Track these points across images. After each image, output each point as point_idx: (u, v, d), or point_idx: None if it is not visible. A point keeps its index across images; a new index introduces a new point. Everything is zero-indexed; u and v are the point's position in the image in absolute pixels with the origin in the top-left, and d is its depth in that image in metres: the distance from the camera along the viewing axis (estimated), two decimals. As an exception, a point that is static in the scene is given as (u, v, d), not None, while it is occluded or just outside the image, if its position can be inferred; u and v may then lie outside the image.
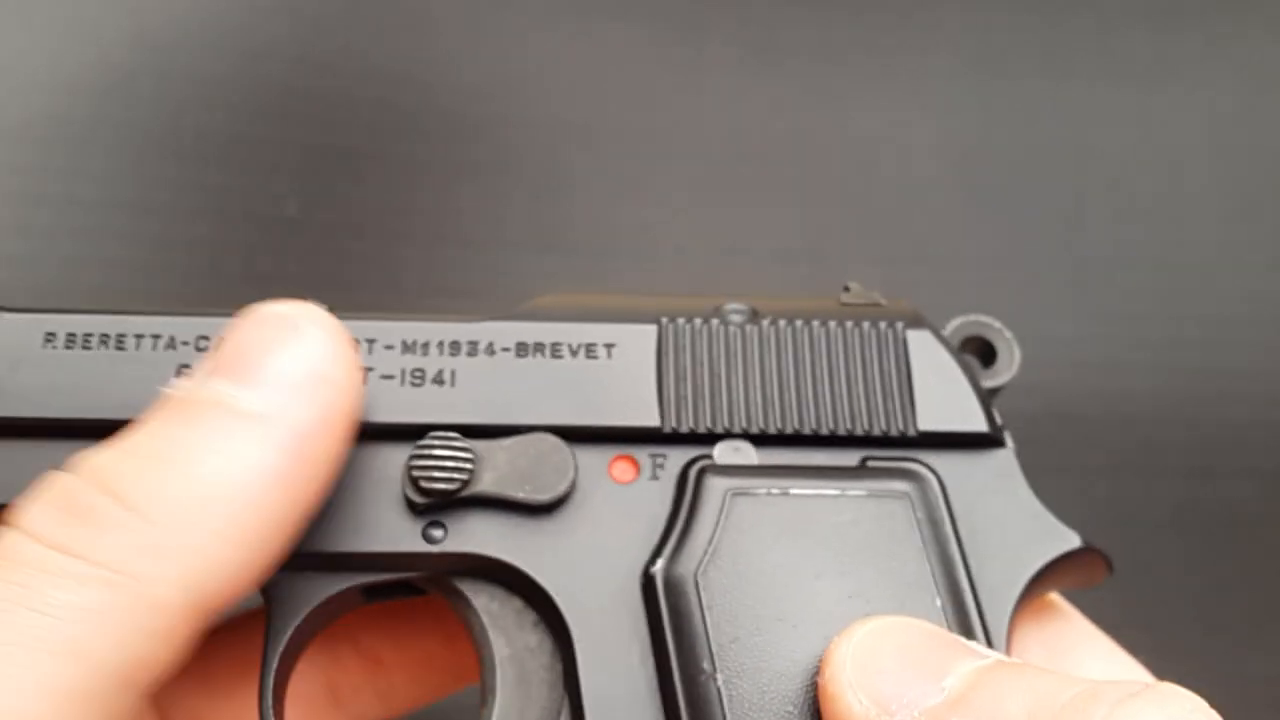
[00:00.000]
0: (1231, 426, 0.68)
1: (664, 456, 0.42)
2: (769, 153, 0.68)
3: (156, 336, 0.41)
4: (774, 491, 0.40)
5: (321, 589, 0.41)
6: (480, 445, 0.40)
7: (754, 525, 0.40)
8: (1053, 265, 0.69)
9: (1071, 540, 0.41)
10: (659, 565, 0.39)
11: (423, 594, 0.43)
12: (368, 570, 0.41)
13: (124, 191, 0.62)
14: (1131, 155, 0.72)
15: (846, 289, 0.46)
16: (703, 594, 0.39)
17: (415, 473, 0.40)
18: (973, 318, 0.45)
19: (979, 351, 0.45)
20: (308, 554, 0.40)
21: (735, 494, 0.40)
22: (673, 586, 0.39)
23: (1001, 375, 0.44)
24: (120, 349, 0.41)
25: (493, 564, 0.40)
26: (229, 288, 0.61)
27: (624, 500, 0.41)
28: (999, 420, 0.43)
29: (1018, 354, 0.44)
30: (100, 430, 0.38)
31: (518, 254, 0.64)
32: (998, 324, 0.45)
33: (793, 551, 0.39)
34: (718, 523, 0.40)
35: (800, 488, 0.41)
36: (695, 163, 0.67)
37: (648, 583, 0.39)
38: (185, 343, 0.41)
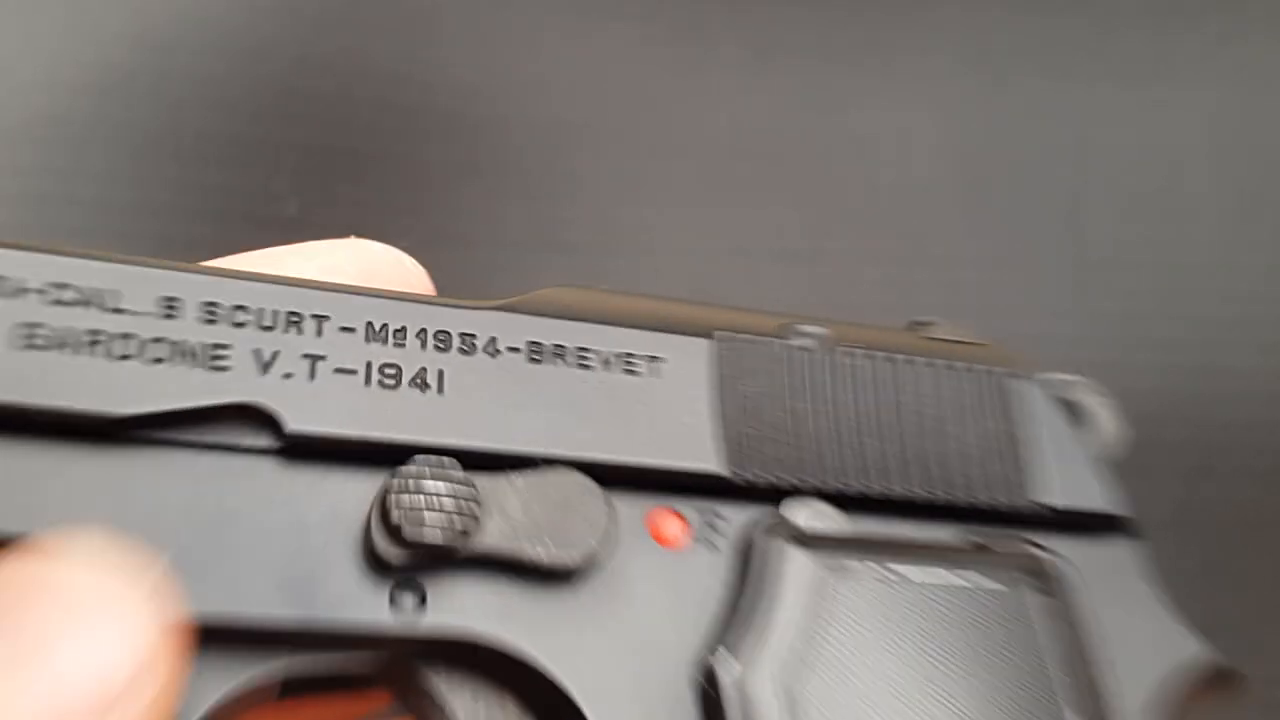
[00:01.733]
0: (1231, 426, 0.68)
1: (720, 514, 0.32)
2: (769, 153, 0.68)
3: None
4: (879, 573, 0.32)
5: (223, 678, 0.29)
6: (483, 480, 0.30)
7: (855, 616, 0.31)
8: (1053, 265, 0.69)
9: (1192, 649, 0.34)
10: (726, 666, 0.29)
11: (365, 687, 0.32)
12: (301, 648, 0.29)
13: (124, 191, 0.62)
14: (1131, 155, 0.72)
15: (923, 323, 0.38)
16: (790, 708, 0.29)
17: (394, 513, 0.29)
18: (1060, 377, 0.38)
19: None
20: (210, 622, 0.28)
21: (830, 573, 0.31)
22: (748, 696, 0.29)
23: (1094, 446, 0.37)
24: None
25: (486, 649, 0.30)
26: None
27: (671, 570, 0.31)
28: (1124, 501, 0.36)
29: (1114, 422, 0.37)
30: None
31: (518, 254, 0.64)
32: (1087, 382, 0.38)
33: (904, 652, 0.31)
34: (807, 608, 0.30)
35: (911, 569, 0.32)
36: (696, 163, 0.67)
37: (709, 688, 0.30)
38: (36, 290, 0.30)
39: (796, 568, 0.31)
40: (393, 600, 0.29)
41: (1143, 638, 0.34)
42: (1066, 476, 0.35)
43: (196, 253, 0.61)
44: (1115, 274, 0.69)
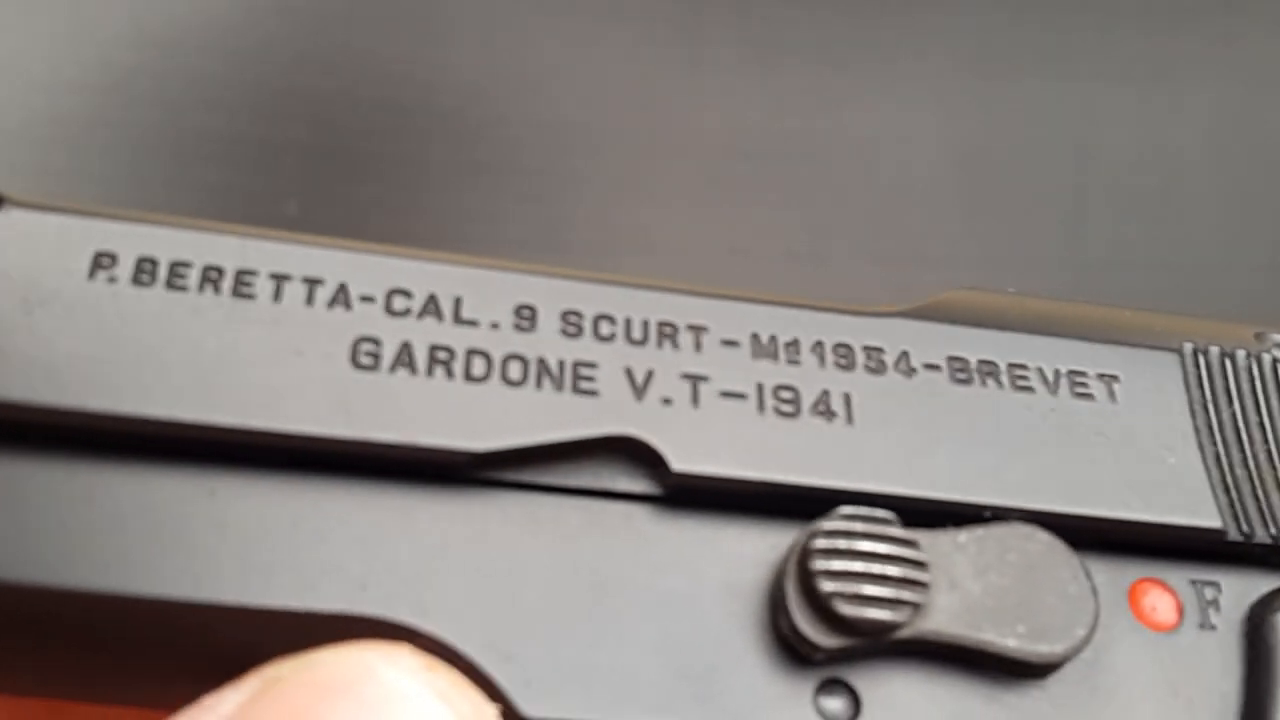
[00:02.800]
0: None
1: (1216, 585, 0.25)
2: (769, 153, 0.68)
3: (314, 281, 0.25)
4: None
5: None
6: (925, 540, 0.23)
7: None
8: (1053, 265, 0.69)
9: None
10: None
11: None
12: None
13: (124, 192, 0.62)
14: (1131, 155, 0.72)
15: None
16: None
17: (826, 585, 0.22)
18: None
19: None
20: None
21: None
22: None
23: None
24: (244, 294, 0.24)
25: None
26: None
27: (1164, 660, 0.24)
28: None
29: None
30: (197, 449, 0.23)
31: (518, 254, 0.63)
32: None
33: None
34: None
35: None
36: (695, 163, 0.67)
37: None
38: (368, 298, 0.25)
39: None
40: (816, 705, 0.22)
41: None
42: None
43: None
44: (1115, 274, 0.69)
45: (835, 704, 0.23)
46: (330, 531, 0.23)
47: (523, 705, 0.22)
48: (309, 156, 0.63)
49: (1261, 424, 0.26)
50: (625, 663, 0.23)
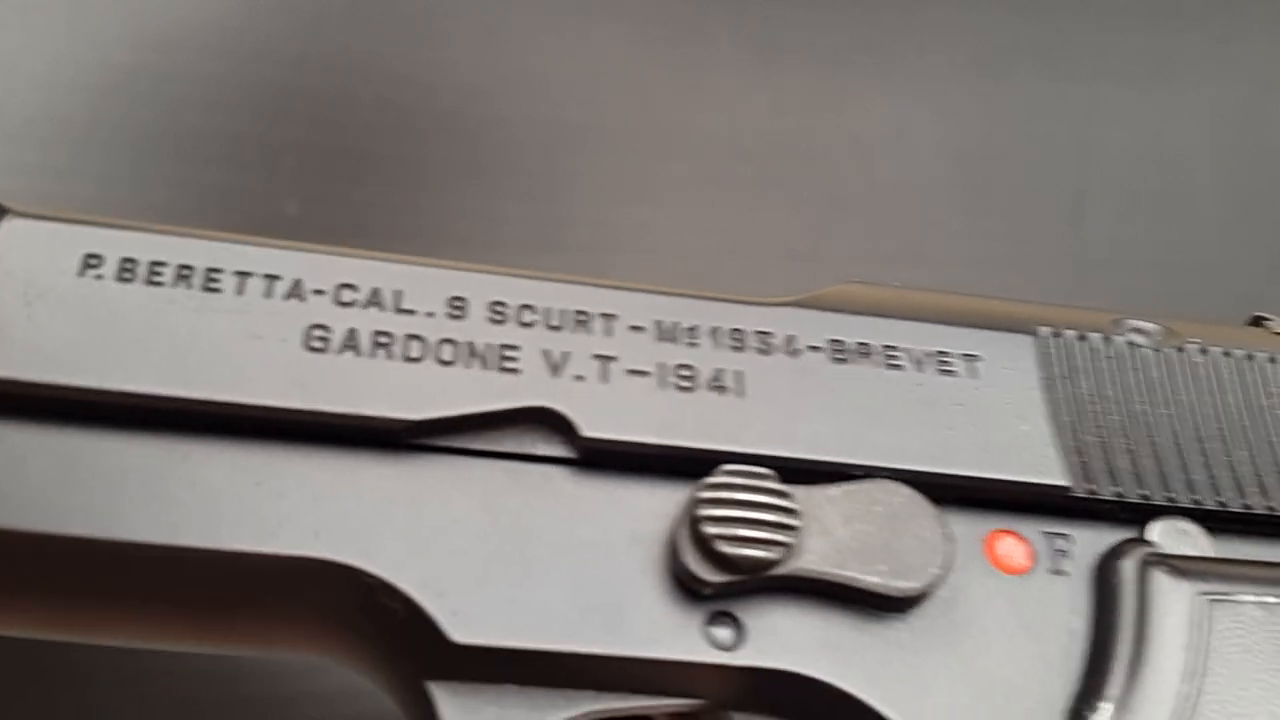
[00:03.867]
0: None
1: (1067, 537, 0.28)
2: (769, 153, 0.68)
3: (273, 277, 0.29)
4: (1268, 600, 0.27)
5: None
6: (800, 493, 0.27)
7: (1247, 654, 0.26)
8: (1053, 265, 0.69)
9: None
10: (1104, 716, 0.25)
11: None
12: (606, 689, 0.26)
13: (124, 191, 0.62)
14: (1132, 155, 0.72)
15: (1264, 320, 0.34)
16: None
17: (708, 529, 0.26)
18: None
19: None
20: (507, 654, 0.26)
21: (1214, 602, 0.26)
22: None
23: None
24: (212, 289, 0.29)
25: (814, 692, 0.26)
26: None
27: (1016, 599, 0.27)
28: None
29: None
30: (173, 420, 0.27)
31: (518, 253, 0.64)
32: None
33: None
34: (1196, 648, 0.26)
35: None
36: (695, 163, 0.67)
37: None
38: (319, 291, 0.29)
39: (1172, 599, 0.26)
40: (707, 633, 0.26)
41: None
42: None
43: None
44: (1115, 274, 0.69)
45: (723, 633, 0.26)
46: (288, 489, 0.27)
47: (451, 633, 0.26)
48: (309, 156, 0.63)
49: (1113, 397, 0.30)
50: (541, 599, 0.26)
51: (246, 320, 0.28)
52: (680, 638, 0.26)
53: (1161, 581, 0.27)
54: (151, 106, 0.63)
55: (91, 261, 0.29)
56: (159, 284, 0.29)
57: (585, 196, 0.66)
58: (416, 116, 0.65)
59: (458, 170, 0.65)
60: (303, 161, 0.63)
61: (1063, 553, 0.28)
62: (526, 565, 0.27)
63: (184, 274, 0.29)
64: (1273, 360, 0.31)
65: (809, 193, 0.68)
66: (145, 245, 0.29)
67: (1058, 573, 0.28)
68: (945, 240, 0.68)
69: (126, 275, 0.29)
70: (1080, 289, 0.68)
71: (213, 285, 0.29)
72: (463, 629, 0.26)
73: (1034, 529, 0.28)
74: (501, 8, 0.68)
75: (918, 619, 0.27)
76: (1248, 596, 0.26)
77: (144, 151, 0.62)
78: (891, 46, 0.72)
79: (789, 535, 0.26)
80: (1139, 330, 0.32)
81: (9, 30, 0.62)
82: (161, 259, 0.29)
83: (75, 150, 0.62)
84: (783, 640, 0.26)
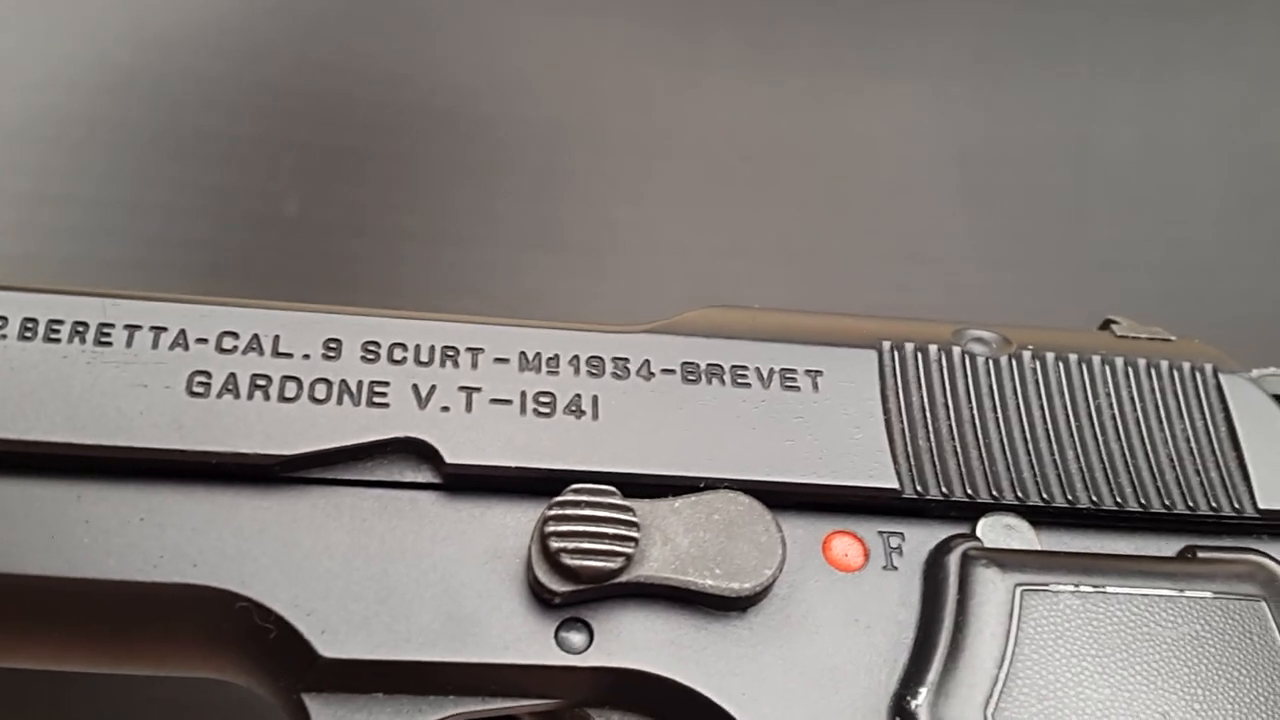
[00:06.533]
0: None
1: (900, 535, 0.30)
2: (769, 153, 0.68)
3: (159, 329, 0.32)
4: (1084, 589, 0.28)
5: None
6: (643, 506, 0.29)
7: (1061, 639, 0.28)
8: (1053, 265, 0.69)
9: None
10: (922, 699, 0.27)
11: None
12: (467, 694, 0.29)
13: (124, 191, 0.62)
14: (1133, 154, 0.71)
15: (1113, 323, 0.36)
16: None
17: (554, 544, 0.28)
18: (1273, 371, 0.35)
19: None
20: (371, 665, 0.28)
21: (1027, 591, 0.28)
22: None
23: None
24: (104, 343, 0.31)
25: (659, 687, 0.28)
26: (229, 287, 0.61)
27: (849, 595, 0.29)
28: None
29: None
30: (67, 464, 0.30)
31: (517, 253, 0.64)
32: None
33: (1122, 676, 0.28)
34: (1008, 634, 0.28)
35: (1121, 584, 0.29)
36: (695, 163, 0.67)
37: None
38: (202, 340, 0.31)
39: (988, 589, 0.28)
40: (559, 639, 0.28)
41: None
42: None
43: (197, 252, 0.61)
44: (1115, 274, 0.69)
45: (575, 637, 0.28)
46: (169, 523, 0.30)
47: (320, 648, 0.29)
48: (308, 156, 0.64)
49: (945, 404, 0.32)
50: (404, 614, 0.29)
51: (134, 370, 0.31)
52: (533, 643, 0.28)
53: (979, 573, 0.29)
54: (151, 106, 0.63)
55: None
56: (56, 340, 0.31)
57: (583, 196, 0.66)
58: (415, 117, 0.65)
59: (456, 170, 0.65)
60: (302, 161, 0.63)
61: (896, 550, 0.30)
62: (391, 584, 0.29)
63: (79, 330, 0.31)
64: (1106, 363, 0.33)
65: (809, 193, 0.68)
66: (44, 305, 0.32)
67: (890, 569, 0.30)
68: (945, 240, 0.68)
69: (28, 334, 0.31)
70: (1080, 289, 0.68)
71: (104, 339, 0.31)
72: (331, 644, 0.29)
73: (870, 529, 0.30)
74: (500, 9, 0.68)
75: (756, 616, 0.29)
76: (1064, 586, 0.28)
77: (144, 151, 0.62)
78: (891, 46, 0.71)
79: (628, 546, 0.28)
80: (978, 340, 0.33)
81: (9, 30, 0.63)
82: (59, 317, 0.32)
83: (75, 150, 0.62)
84: (629, 642, 0.28)
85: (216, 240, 0.62)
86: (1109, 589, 0.29)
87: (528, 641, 0.28)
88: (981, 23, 0.73)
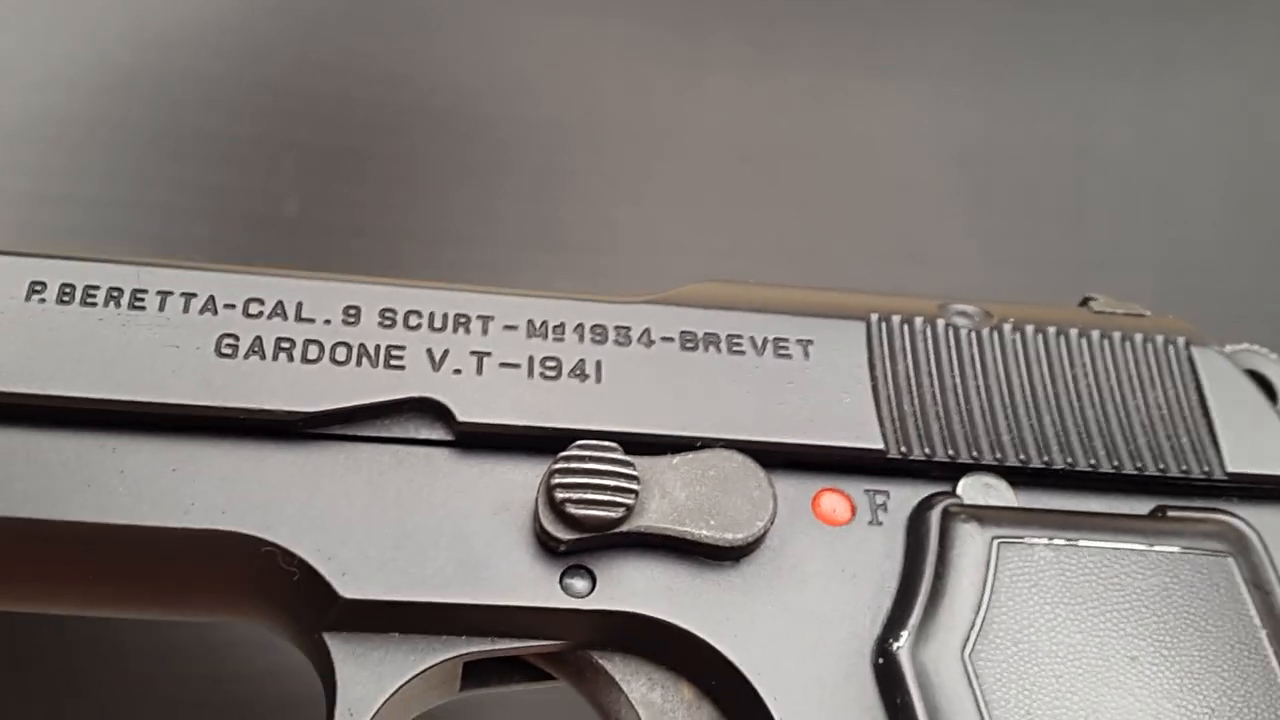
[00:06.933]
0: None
1: (886, 493, 0.32)
2: (769, 153, 0.68)
3: (190, 295, 0.33)
4: (1058, 542, 0.31)
5: (407, 663, 0.31)
6: (644, 463, 0.31)
7: (1035, 588, 0.30)
8: (1053, 265, 0.69)
9: None
10: (903, 643, 0.29)
11: (545, 678, 0.33)
12: (477, 635, 0.31)
13: (124, 191, 0.62)
14: (1132, 153, 0.72)
15: (1090, 300, 0.38)
16: (976, 683, 0.29)
17: (559, 494, 0.30)
18: (1245, 348, 0.38)
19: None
20: (388, 606, 0.30)
21: (1003, 544, 0.30)
22: (929, 673, 0.29)
23: None
24: (138, 307, 0.33)
25: (657, 630, 0.31)
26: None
27: (836, 547, 0.32)
28: None
29: None
30: (102, 418, 0.32)
31: (517, 253, 0.64)
32: (1271, 352, 0.37)
33: (1093, 624, 0.30)
34: (985, 583, 0.30)
35: (1093, 539, 0.31)
36: (695, 163, 0.67)
37: (887, 666, 0.29)
38: (230, 305, 0.33)
39: (966, 542, 0.30)
40: (564, 584, 0.31)
41: None
42: (1261, 443, 0.34)
43: (197, 252, 0.61)
44: (1115, 274, 0.69)
45: (578, 583, 0.31)
46: (199, 473, 0.32)
47: (340, 589, 0.31)
48: (308, 156, 0.64)
49: (929, 372, 0.34)
50: (419, 558, 0.31)
51: (165, 333, 0.33)
52: (540, 588, 0.30)
53: (958, 527, 0.31)
54: (151, 106, 0.63)
55: (36, 288, 0.33)
56: (92, 304, 0.33)
57: (583, 196, 0.66)
58: (415, 116, 0.65)
59: (456, 170, 0.65)
60: (302, 161, 0.63)
61: (881, 506, 0.32)
62: (406, 531, 0.31)
63: (114, 295, 0.33)
64: (1082, 335, 0.35)
65: (809, 193, 0.68)
66: (81, 272, 0.34)
67: (875, 524, 0.32)
68: (945, 240, 0.68)
69: (65, 298, 0.33)
70: (1080, 289, 0.68)
71: (138, 304, 0.33)
72: (350, 586, 0.31)
73: (857, 487, 0.32)
74: (500, 9, 0.68)
75: (749, 566, 0.31)
76: (1039, 539, 0.30)
77: (144, 151, 0.62)
78: (891, 46, 0.71)
79: (629, 498, 0.30)
80: (962, 313, 0.36)
81: (9, 30, 0.63)
82: (95, 283, 0.33)
83: (75, 150, 0.62)
84: (629, 588, 0.31)
85: (216, 240, 0.62)
86: (1081, 542, 0.31)
87: (534, 586, 0.30)
88: (981, 23, 0.73)
